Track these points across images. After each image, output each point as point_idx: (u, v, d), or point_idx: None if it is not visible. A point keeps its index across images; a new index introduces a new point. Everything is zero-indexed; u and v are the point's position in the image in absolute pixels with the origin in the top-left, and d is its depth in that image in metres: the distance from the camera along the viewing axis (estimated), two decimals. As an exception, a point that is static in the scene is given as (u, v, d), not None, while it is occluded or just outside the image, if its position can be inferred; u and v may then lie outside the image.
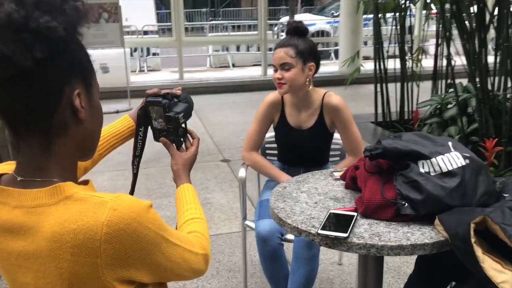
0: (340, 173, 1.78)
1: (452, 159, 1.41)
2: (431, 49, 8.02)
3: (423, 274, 1.69)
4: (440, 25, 4.89)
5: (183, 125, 1.29)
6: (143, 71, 10.23)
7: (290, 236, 2.09)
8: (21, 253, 0.86)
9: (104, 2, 6.52)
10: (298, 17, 13.55)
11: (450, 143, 1.49)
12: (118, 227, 0.81)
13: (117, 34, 6.63)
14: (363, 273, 1.62)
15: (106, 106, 6.94)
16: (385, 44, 5.44)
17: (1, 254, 0.89)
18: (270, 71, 5.82)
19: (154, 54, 10.60)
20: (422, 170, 1.40)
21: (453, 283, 1.61)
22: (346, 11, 8.58)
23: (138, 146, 1.33)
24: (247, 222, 2.34)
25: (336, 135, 2.35)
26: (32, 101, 0.84)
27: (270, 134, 2.44)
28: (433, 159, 1.41)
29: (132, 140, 1.36)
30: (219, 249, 3.00)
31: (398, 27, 5.20)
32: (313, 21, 12.58)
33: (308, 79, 2.18)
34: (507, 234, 1.17)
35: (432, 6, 5.10)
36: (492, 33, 4.26)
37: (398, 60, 5.35)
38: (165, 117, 1.25)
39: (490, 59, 4.05)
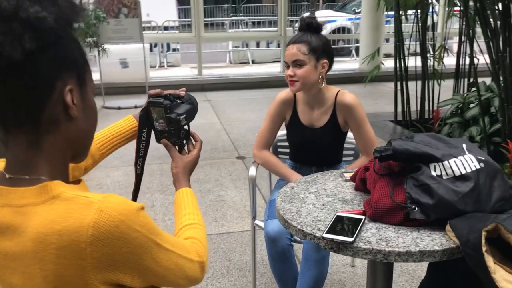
0: (351, 174, 1.73)
1: (466, 162, 1.35)
2: (454, 47, 7.85)
3: (435, 281, 1.63)
4: (464, 23, 4.78)
5: (185, 127, 1.25)
6: (163, 66, 10.29)
7: (299, 237, 2.05)
8: (8, 253, 0.83)
9: (124, -3, 6.57)
10: (319, 13, 13.46)
11: (464, 145, 1.42)
12: (104, 229, 0.78)
13: (136, 30, 6.66)
14: (372, 279, 1.57)
15: (125, 101, 6.99)
16: (406, 42, 5.34)
17: None
18: (288, 68, 5.76)
19: (174, 49, 10.63)
20: (433, 173, 1.34)
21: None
22: (367, 7, 8.45)
23: (141, 147, 1.30)
24: (256, 222, 2.31)
25: (350, 134, 2.29)
26: (21, 95, 0.81)
27: (282, 132, 2.39)
28: (446, 162, 1.35)
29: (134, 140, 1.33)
30: (231, 248, 2.97)
31: (420, 24, 5.10)
32: (335, 18, 12.48)
33: (321, 77, 2.13)
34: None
35: (457, 2, 4.98)
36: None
37: (419, 58, 5.25)
38: (166, 119, 1.22)
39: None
